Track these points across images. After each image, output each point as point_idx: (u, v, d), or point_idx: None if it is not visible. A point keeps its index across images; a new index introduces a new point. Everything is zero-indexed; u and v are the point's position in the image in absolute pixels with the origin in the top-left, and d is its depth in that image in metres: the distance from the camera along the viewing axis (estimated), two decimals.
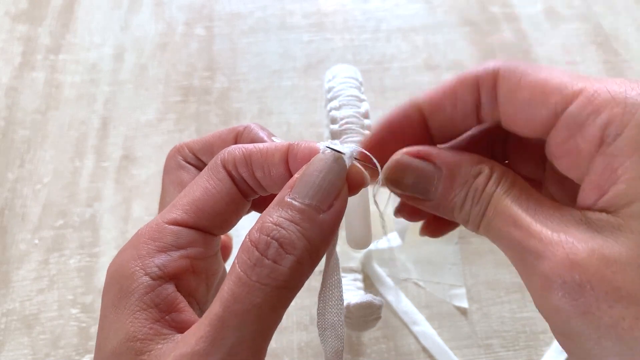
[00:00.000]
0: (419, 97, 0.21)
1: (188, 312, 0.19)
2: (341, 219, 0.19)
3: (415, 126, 0.21)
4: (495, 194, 0.19)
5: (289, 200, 0.19)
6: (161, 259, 0.19)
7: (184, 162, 0.25)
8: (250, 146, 0.21)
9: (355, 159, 0.20)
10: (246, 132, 0.24)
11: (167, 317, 0.19)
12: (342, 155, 0.19)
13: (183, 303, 0.19)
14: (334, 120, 0.26)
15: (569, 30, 0.56)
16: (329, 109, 0.26)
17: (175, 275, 0.19)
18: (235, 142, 0.24)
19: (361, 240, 0.24)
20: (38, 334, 0.38)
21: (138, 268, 0.19)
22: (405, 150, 0.21)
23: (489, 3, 0.59)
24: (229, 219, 0.21)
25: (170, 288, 0.19)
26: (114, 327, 0.18)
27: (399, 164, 0.20)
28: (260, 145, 0.21)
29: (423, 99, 0.21)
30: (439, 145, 0.22)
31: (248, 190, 0.21)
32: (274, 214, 0.18)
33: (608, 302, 0.16)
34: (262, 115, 0.49)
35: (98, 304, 0.39)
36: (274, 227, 0.18)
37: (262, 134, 0.24)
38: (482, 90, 0.20)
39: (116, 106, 0.50)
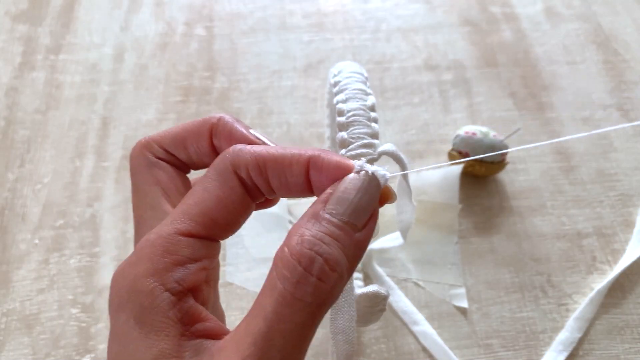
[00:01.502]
0: None
1: (210, 319, 0.19)
2: (371, 238, 0.19)
3: None
4: None
5: (326, 215, 0.18)
6: (179, 274, 0.19)
7: (154, 159, 0.23)
8: (261, 150, 0.20)
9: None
10: (221, 124, 0.23)
11: (192, 328, 0.19)
12: (378, 176, 0.19)
13: (204, 312, 0.19)
14: (340, 113, 0.26)
15: (569, 30, 0.56)
16: (335, 101, 0.26)
17: (193, 288, 0.19)
18: (210, 135, 0.23)
19: None
20: (38, 334, 0.38)
21: (157, 284, 0.18)
22: None
23: (489, 3, 0.59)
24: (238, 225, 0.21)
25: (190, 301, 0.19)
26: (143, 344, 0.18)
27: None
28: (273, 151, 0.20)
29: None
30: None
31: (257, 194, 0.21)
32: (312, 227, 0.18)
33: None
34: (262, 115, 0.49)
35: (98, 304, 0.39)
36: (316, 241, 0.18)
37: (239, 127, 0.23)
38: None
39: (116, 106, 0.50)
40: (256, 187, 0.20)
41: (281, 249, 0.18)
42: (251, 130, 0.23)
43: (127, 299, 0.19)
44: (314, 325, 0.18)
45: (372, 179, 0.19)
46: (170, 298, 0.18)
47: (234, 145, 0.21)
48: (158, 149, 0.23)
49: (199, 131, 0.23)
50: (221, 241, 0.22)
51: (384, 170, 0.20)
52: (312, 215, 0.19)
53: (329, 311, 0.21)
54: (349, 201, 0.19)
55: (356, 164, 0.20)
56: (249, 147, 0.20)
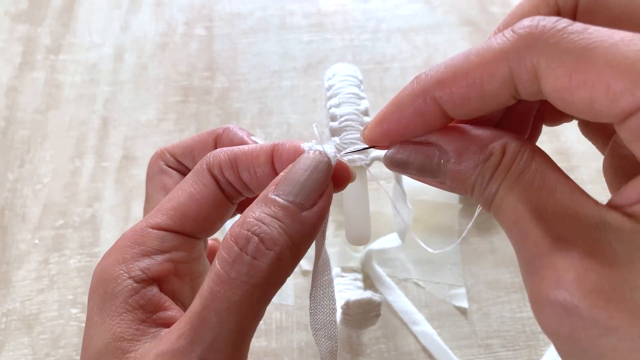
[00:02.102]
0: (430, 85, 0.18)
1: (174, 309, 0.20)
2: (324, 217, 0.19)
3: (428, 115, 0.18)
4: (503, 183, 0.17)
5: (272, 196, 0.19)
6: (145, 263, 0.20)
7: (165, 167, 0.25)
8: (235, 149, 0.21)
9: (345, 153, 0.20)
10: (225, 133, 0.24)
11: (153, 316, 0.19)
12: (327, 154, 0.20)
13: (169, 302, 0.20)
14: (333, 118, 0.26)
15: None
16: (328, 106, 0.26)
17: (159, 278, 0.20)
18: (216, 145, 0.24)
19: (360, 237, 0.24)
20: (38, 334, 0.38)
21: (122, 272, 0.19)
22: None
23: (489, 3, 0.59)
24: (214, 223, 0.22)
25: (154, 289, 0.19)
26: (100, 329, 0.19)
27: (401, 151, 0.19)
28: (245, 147, 0.21)
29: (440, 92, 0.17)
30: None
31: (234, 193, 0.21)
32: (257, 210, 0.18)
33: (598, 331, 0.14)
34: (262, 115, 0.49)
35: None
36: (256, 222, 0.18)
37: (240, 134, 0.24)
38: (520, 86, 0.16)
39: (116, 106, 0.50)
40: (230, 184, 0.21)
41: (226, 234, 0.18)
42: (252, 137, 0.24)
43: (95, 286, 0.20)
44: (252, 306, 0.18)
45: (322, 157, 0.19)
46: (132, 285, 0.19)
47: (213, 150, 0.22)
48: (169, 158, 0.25)
49: (206, 141, 0.24)
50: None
51: (333, 149, 0.20)
52: (262, 198, 0.19)
53: (309, 306, 0.21)
54: (296, 180, 0.19)
55: (305, 145, 0.20)
56: (226, 148, 0.21)
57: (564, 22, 0.15)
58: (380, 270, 0.40)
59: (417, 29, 0.56)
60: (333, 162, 0.20)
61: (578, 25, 0.15)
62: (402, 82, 0.52)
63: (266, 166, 0.20)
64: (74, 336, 0.38)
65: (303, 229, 0.18)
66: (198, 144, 0.25)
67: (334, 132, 0.25)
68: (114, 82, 0.52)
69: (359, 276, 0.39)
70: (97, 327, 0.19)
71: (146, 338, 0.18)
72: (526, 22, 0.16)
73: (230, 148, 0.21)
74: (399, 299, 0.39)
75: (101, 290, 0.19)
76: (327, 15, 0.58)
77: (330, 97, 0.27)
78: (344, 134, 0.25)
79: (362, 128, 0.25)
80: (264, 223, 0.18)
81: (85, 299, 0.39)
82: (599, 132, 0.22)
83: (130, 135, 0.48)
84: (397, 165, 0.19)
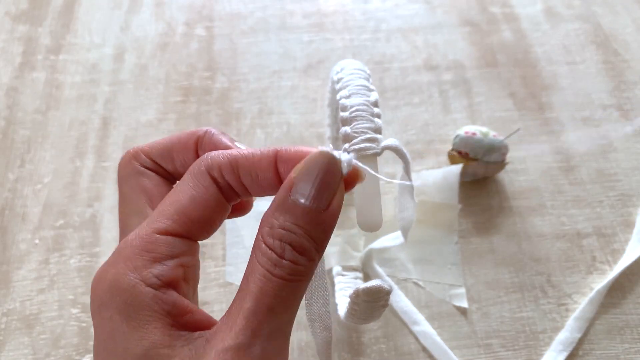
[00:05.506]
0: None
1: (198, 312, 0.20)
2: (338, 215, 0.20)
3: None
4: None
5: (291, 202, 0.19)
6: (158, 269, 0.19)
7: (142, 168, 0.24)
8: (233, 152, 0.21)
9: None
10: (207, 136, 0.24)
11: (180, 320, 0.19)
12: (335, 156, 0.20)
13: (191, 305, 0.20)
14: (344, 108, 0.26)
15: (568, 30, 0.56)
16: (338, 97, 0.26)
17: (172, 283, 0.20)
18: (196, 147, 0.24)
19: (372, 223, 0.24)
20: (38, 334, 0.38)
21: (138, 280, 0.19)
22: None
23: (489, 3, 0.59)
24: (214, 225, 0.22)
25: (173, 294, 0.19)
26: (134, 339, 0.19)
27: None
28: (245, 151, 0.21)
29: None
30: None
31: (232, 195, 0.22)
32: (280, 217, 0.19)
33: None
34: (262, 115, 0.49)
35: None
36: (284, 232, 0.19)
37: (224, 140, 0.24)
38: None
39: (116, 106, 0.50)
40: (230, 186, 0.21)
41: (257, 239, 0.20)
42: (236, 143, 0.24)
43: (109, 297, 0.19)
44: (296, 300, 0.20)
45: (330, 158, 0.20)
46: (153, 292, 0.19)
47: (209, 152, 0.22)
48: (146, 159, 0.24)
49: (186, 143, 0.24)
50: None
51: (347, 154, 0.21)
52: (279, 203, 0.20)
53: (304, 297, 0.22)
54: (310, 184, 0.20)
55: (316, 149, 0.21)
56: (223, 150, 0.21)
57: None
58: (380, 270, 0.40)
59: (417, 29, 0.56)
60: (346, 167, 0.20)
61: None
62: (402, 82, 0.52)
63: (269, 171, 0.21)
64: (74, 336, 0.38)
65: (324, 230, 0.20)
66: (177, 145, 0.24)
67: (345, 122, 0.25)
68: (114, 82, 0.52)
69: (360, 275, 0.39)
70: (129, 337, 0.19)
71: (179, 342, 0.19)
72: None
73: (228, 151, 0.21)
74: (399, 299, 0.39)
75: (119, 300, 0.19)
76: (327, 15, 0.58)
77: (340, 89, 0.27)
78: (355, 123, 0.25)
79: (372, 118, 0.25)
80: (291, 232, 0.19)
81: (86, 299, 0.39)
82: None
83: (130, 135, 0.48)
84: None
